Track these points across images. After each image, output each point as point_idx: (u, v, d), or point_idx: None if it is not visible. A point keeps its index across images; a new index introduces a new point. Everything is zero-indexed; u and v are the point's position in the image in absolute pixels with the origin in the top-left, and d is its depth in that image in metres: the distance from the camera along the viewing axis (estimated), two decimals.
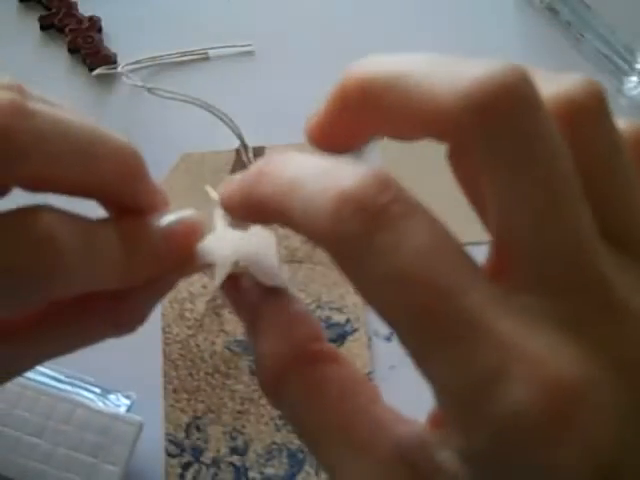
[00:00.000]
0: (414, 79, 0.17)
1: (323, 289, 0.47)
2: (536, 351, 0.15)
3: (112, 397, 0.42)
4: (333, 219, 0.16)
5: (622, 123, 0.18)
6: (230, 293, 0.22)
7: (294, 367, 0.19)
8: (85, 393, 0.41)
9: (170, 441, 0.44)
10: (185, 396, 0.45)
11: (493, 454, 0.15)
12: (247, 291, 0.22)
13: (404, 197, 0.16)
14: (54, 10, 0.57)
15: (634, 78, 0.54)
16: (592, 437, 0.15)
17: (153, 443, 0.43)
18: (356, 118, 0.19)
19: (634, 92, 0.54)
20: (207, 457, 0.44)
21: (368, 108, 0.18)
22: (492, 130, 0.16)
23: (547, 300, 0.16)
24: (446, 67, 0.17)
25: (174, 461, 0.43)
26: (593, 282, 0.16)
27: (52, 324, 0.22)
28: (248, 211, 0.19)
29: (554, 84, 0.17)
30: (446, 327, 0.15)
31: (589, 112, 0.17)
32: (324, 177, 0.17)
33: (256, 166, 0.19)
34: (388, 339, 0.46)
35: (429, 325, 0.15)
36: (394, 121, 0.18)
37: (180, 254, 0.22)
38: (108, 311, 0.22)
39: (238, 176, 0.20)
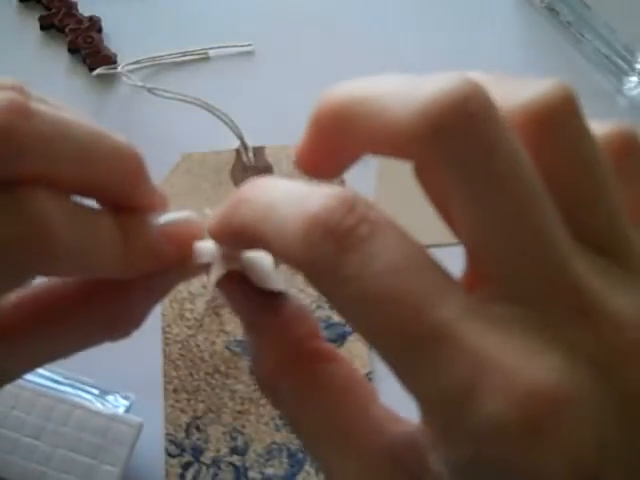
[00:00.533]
0: (378, 103, 0.17)
1: None
2: (510, 361, 0.15)
3: (110, 398, 0.42)
4: (304, 244, 0.16)
5: (609, 124, 0.18)
6: (228, 292, 0.22)
7: (291, 365, 0.19)
8: (83, 394, 0.41)
9: (170, 441, 0.44)
10: (185, 396, 0.45)
11: (477, 465, 0.15)
12: (245, 290, 0.22)
13: (371, 217, 0.16)
14: (54, 10, 0.57)
15: (634, 78, 0.54)
16: (573, 443, 0.15)
17: (153, 443, 0.43)
18: (333, 143, 0.19)
19: (634, 92, 0.54)
20: (207, 457, 0.44)
21: (341, 134, 0.18)
22: (448, 147, 0.16)
23: (521, 309, 0.16)
24: (406, 88, 0.17)
25: (174, 461, 0.43)
26: (565, 288, 0.16)
27: (48, 322, 0.22)
28: (230, 238, 0.20)
29: (522, 92, 0.17)
30: (418, 343, 0.15)
31: (557, 117, 0.17)
32: (295, 202, 0.17)
33: (236, 193, 0.19)
34: None
35: (402, 342, 0.15)
36: (367, 144, 0.18)
37: (177, 251, 0.22)
38: (104, 311, 0.22)
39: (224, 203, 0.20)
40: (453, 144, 0.16)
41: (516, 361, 0.15)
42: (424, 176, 0.17)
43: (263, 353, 0.20)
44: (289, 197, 0.17)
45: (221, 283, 0.22)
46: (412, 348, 0.15)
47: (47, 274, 0.20)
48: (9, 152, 0.19)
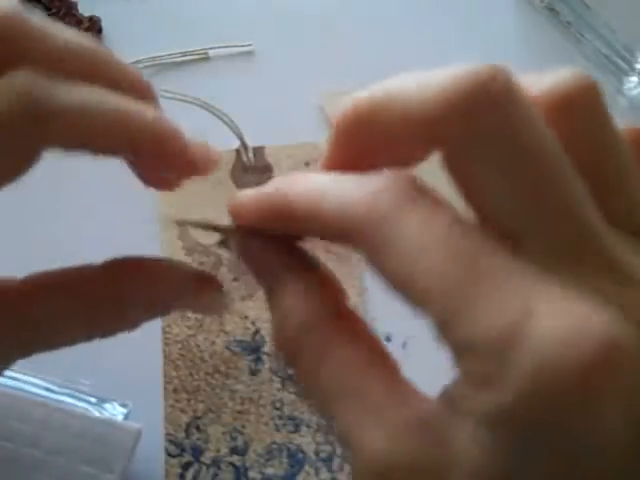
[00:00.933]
0: (402, 96, 0.18)
1: None
2: (563, 294, 0.15)
3: (108, 406, 0.41)
4: (369, 207, 0.17)
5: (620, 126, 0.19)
6: (248, 257, 0.22)
7: (318, 320, 0.19)
8: (80, 403, 0.41)
9: (170, 441, 0.44)
10: (185, 396, 0.45)
11: (522, 411, 0.15)
12: (267, 253, 0.21)
13: (431, 193, 0.17)
14: (54, 10, 0.57)
15: (634, 78, 0.54)
16: (631, 393, 0.14)
17: (153, 444, 0.43)
18: (360, 149, 0.19)
19: (634, 92, 0.54)
20: (207, 457, 0.44)
21: (367, 136, 0.19)
22: (475, 128, 0.16)
23: (564, 270, 0.16)
24: (426, 78, 0.17)
25: (174, 461, 0.43)
26: (598, 252, 0.16)
27: (30, 306, 0.22)
28: (269, 214, 0.20)
29: (545, 79, 0.18)
30: (466, 286, 0.16)
31: (581, 101, 0.18)
32: (356, 180, 0.18)
33: (273, 182, 0.20)
34: (388, 339, 0.46)
35: (455, 286, 0.16)
36: (392, 141, 0.18)
37: (198, 160, 0.23)
38: (85, 304, 0.22)
39: (250, 191, 0.20)
40: (480, 124, 0.16)
41: (568, 296, 0.15)
42: (452, 163, 0.17)
43: (291, 305, 0.19)
44: (348, 178, 0.18)
45: (246, 237, 0.21)
46: (465, 290, 0.16)
47: (54, 140, 0.20)
48: (15, 35, 0.20)
